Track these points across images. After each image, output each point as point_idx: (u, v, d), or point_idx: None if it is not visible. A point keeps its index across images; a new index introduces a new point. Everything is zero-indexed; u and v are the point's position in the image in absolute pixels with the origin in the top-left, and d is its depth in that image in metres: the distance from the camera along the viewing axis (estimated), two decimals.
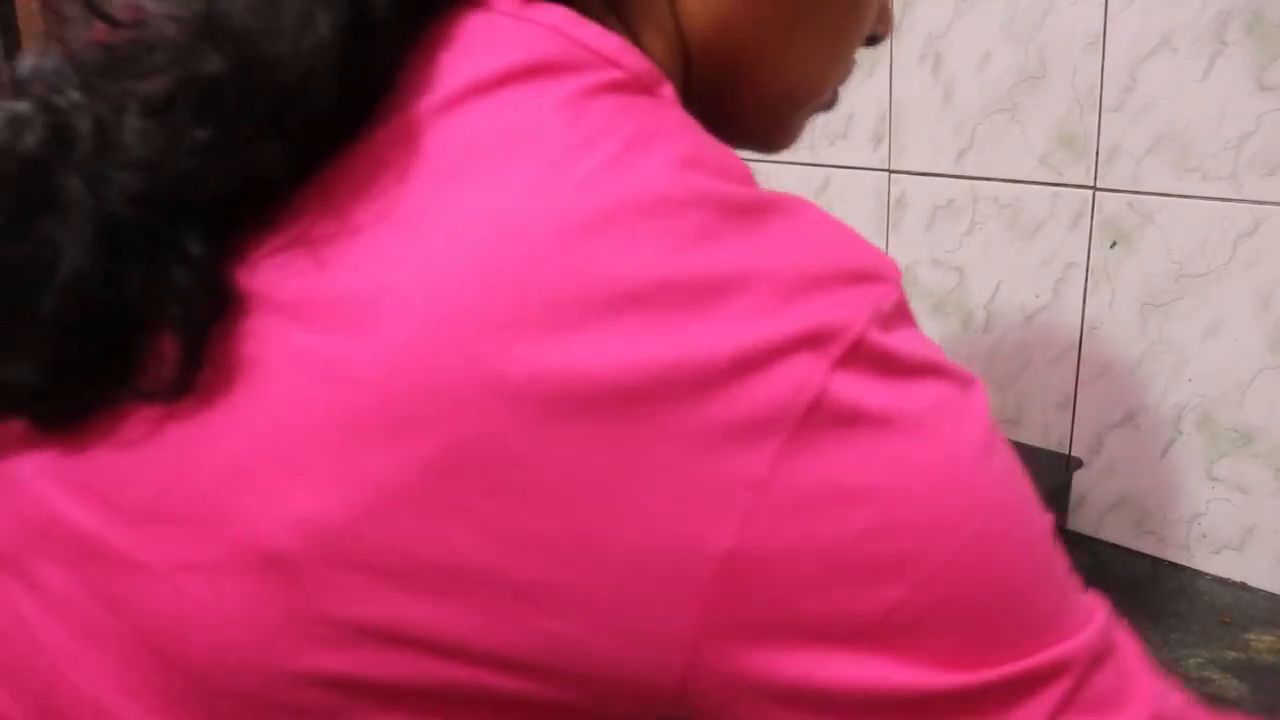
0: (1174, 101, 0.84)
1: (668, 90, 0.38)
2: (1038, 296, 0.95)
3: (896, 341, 0.33)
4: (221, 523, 0.33)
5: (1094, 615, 0.35)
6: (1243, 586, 0.88)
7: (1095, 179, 0.90)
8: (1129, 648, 0.36)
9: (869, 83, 1.03)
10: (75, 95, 0.35)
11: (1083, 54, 0.88)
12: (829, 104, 0.51)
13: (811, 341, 0.32)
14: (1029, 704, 0.33)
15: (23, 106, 0.35)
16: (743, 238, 0.33)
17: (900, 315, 0.34)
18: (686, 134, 0.36)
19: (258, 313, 0.33)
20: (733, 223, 0.33)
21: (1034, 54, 0.91)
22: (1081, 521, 0.96)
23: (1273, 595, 0.87)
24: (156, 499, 0.34)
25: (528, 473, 0.31)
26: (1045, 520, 0.36)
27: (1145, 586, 0.90)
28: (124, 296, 0.34)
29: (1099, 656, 0.35)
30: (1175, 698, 0.36)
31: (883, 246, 1.06)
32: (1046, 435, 0.97)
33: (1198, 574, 0.90)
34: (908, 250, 1.04)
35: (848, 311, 0.32)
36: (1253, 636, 0.81)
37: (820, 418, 0.31)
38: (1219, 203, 0.83)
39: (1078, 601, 0.35)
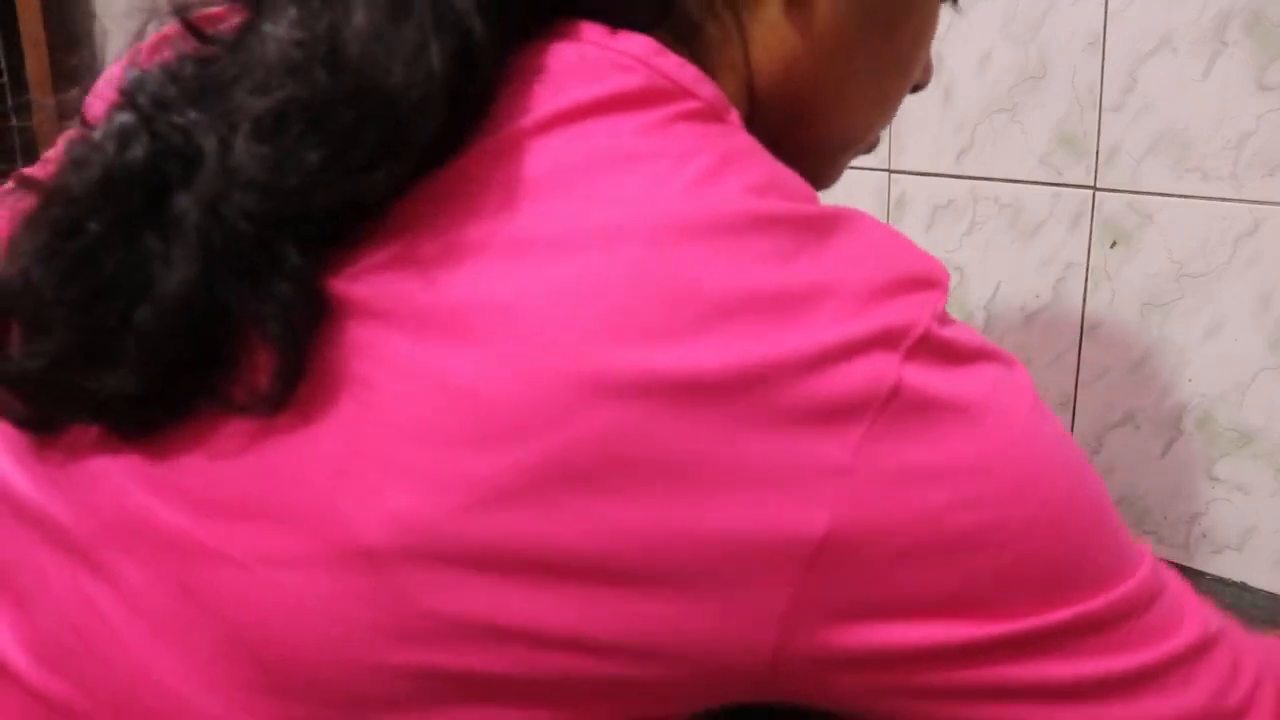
0: (1174, 101, 0.84)
1: (734, 116, 0.41)
2: (1038, 296, 0.95)
3: (952, 334, 0.36)
4: (317, 520, 0.33)
5: (1145, 556, 0.39)
6: (1243, 587, 0.88)
7: (1095, 179, 0.90)
8: (1174, 580, 0.40)
9: None
10: (189, 113, 0.35)
11: (1083, 54, 0.88)
12: (871, 146, 0.55)
13: (883, 340, 0.34)
14: (1099, 640, 0.37)
15: (128, 119, 0.35)
16: (817, 254, 0.36)
17: (947, 313, 0.38)
18: (759, 158, 0.39)
19: (360, 322, 0.34)
20: (807, 239, 0.36)
21: (1034, 54, 0.91)
22: None
23: (1273, 595, 0.87)
24: (249, 498, 0.34)
25: (630, 470, 0.33)
26: (1097, 476, 0.39)
27: None
28: (223, 309, 0.34)
29: (1155, 592, 0.38)
30: (1218, 617, 0.41)
31: None
32: None
33: (1198, 574, 0.90)
34: None
35: (912, 313, 0.35)
36: None
37: (898, 406, 0.34)
38: (1219, 203, 0.83)
39: (1130, 545, 0.39)
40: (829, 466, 0.33)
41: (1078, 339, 0.94)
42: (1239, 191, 0.82)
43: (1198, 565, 0.91)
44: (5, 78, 1.59)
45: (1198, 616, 0.40)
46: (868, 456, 0.34)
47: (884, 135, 1.04)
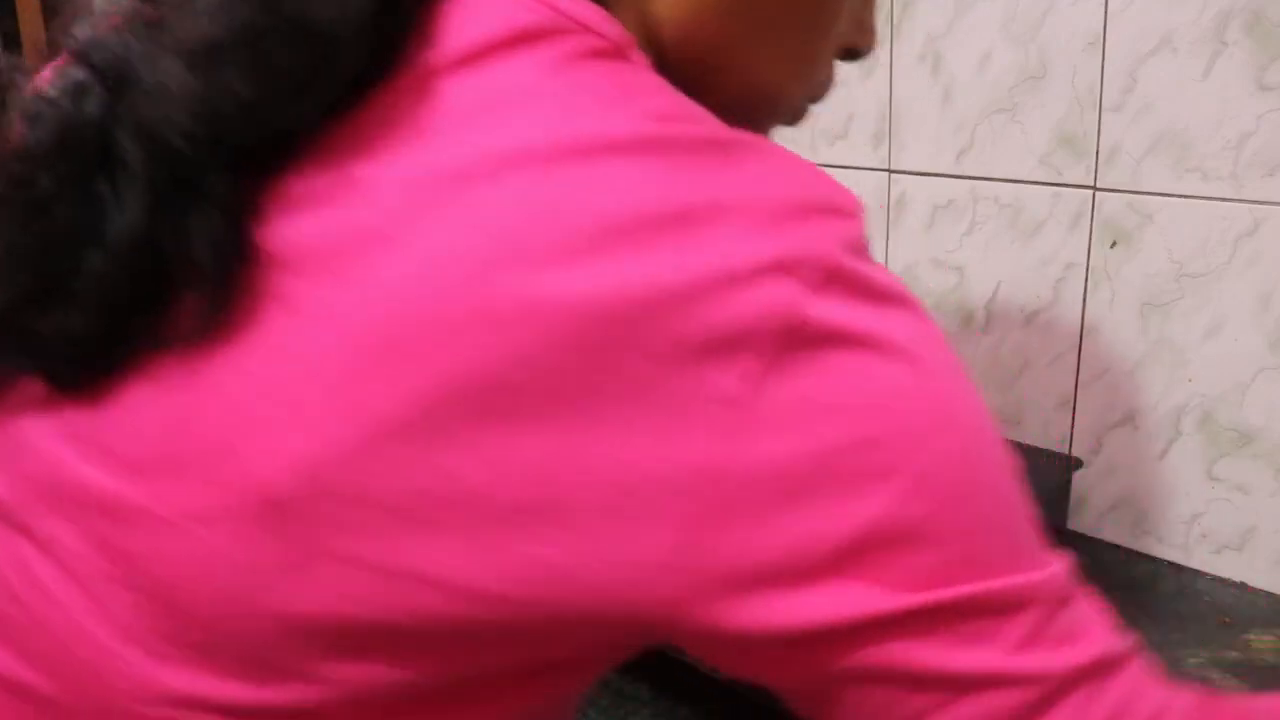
0: (1174, 101, 0.84)
1: (640, 57, 0.40)
2: (1038, 296, 0.95)
3: (867, 269, 0.35)
4: (224, 470, 0.34)
5: (1059, 560, 0.37)
6: (1243, 587, 0.88)
7: (1095, 179, 0.90)
8: (1087, 596, 0.37)
9: (869, 83, 1.03)
10: (130, 45, 0.36)
11: (1083, 54, 0.88)
12: (795, 118, 0.52)
13: (787, 267, 0.33)
14: (1001, 625, 0.34)
15: (81, 74, 0.36)
16: (719, 172, 0.34)
17: (864, 248, 0.36)
18: (665, 92, 0.38)
19: (270, 267, 0.35)
20: (709, 159, 0.35)
21: (1034, 54, 0.91)
22: (1081, 522, 0.96)
23: (1273, 595, 0.87)
24: (164, 451, 0.35)
25: (518, 396, 0.32)
26: (1011, 459, 0.37)
27: (1145, 587, 0.90)
28: (162, 247, 0.35)
29: (1064, 595, 0.36)
30: (1126, 645, 0.37)
31: (882, 246, 1.06)
32: (1046, 435, 0.97)
33: (1197, 574, 0.90)
34: (908, 250, 1.04)
35: (821, 242, 0.34)
36: (1252, 637, 0.81)
37: (800, 339, 0.33)
38: (1219, 203, 0.83)
39: (1041, 541, 0.37)
40: (719, 397, 0.32)
41: (1078, 339, 0.93)
42: (1239, 191, 0.82)
43: (1198, 565, 0.91)
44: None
45: (1099, 636, 0.36)
46: (763, 388, 0.32)
47: (884, 135, 1.04)
